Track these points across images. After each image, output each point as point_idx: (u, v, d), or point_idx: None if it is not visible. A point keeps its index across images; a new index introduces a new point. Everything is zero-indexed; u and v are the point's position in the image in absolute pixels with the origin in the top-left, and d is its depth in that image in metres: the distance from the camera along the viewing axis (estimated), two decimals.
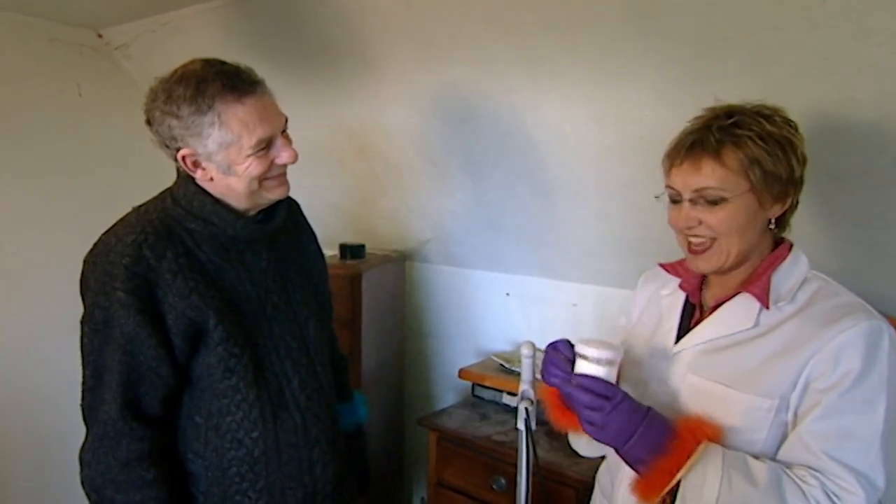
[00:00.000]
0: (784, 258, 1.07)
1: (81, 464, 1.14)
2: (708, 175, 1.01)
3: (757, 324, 1.05)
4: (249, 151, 1.12)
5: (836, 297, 1.03)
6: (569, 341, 1.11)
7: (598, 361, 1.03)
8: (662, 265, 1.23)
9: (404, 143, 2.16)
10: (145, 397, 1.13)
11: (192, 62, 1.13)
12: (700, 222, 1.04)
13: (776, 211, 1.05)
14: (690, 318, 1.16)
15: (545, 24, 1.53)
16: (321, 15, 1.87)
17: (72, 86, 2.50)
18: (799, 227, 1.52)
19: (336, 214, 2.65)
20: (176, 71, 1.13)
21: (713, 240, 1.05)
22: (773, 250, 1.09)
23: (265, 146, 1.13)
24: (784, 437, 1.01)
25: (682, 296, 1.19)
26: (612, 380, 1.03)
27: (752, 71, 1.35)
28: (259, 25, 2.06)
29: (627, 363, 1.18)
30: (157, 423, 1.15)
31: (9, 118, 2.32)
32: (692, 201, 1.04)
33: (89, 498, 1.15)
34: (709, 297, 1.15)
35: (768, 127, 1.01)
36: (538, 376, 1.99)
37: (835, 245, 1.54)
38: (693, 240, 1.07)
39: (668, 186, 1.09)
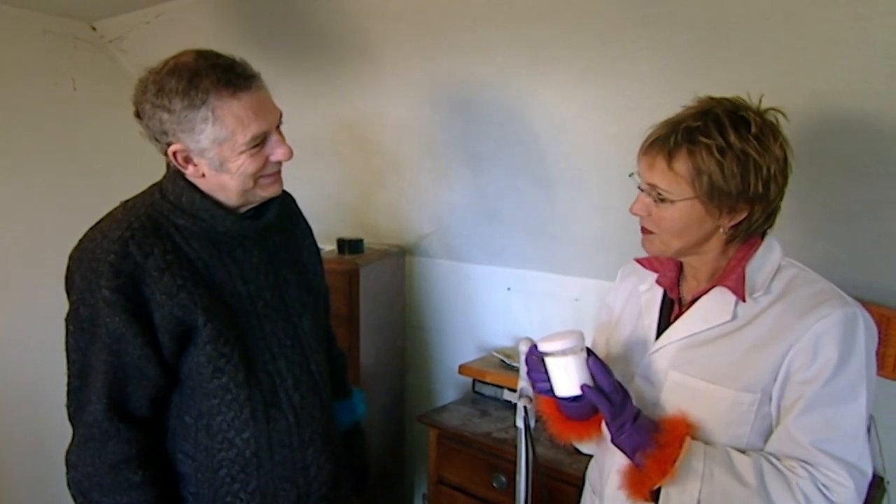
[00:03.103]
0: (757, 248, 1.08)
1: (68, 466, 1.12)
2: (658, 175, 1.04)
3: (734, 317, 1.06)
4: (243, 148, 1.08)
5: (810, 286, 1.04)
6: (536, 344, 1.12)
7: (564, 353, 1.04)
8: (638, 260, 1.24)
9: (402, 135, 2.13)
10: (132, 398, 1.11)
11: (185, 53, 1.09)
12: (649, 213, 1.08)
13: (724, 222, 1.05)
14: (669, 313, 1.17)
15: (544, 10, 1.50)
16: (318, 5, 1.85)
17: (66, 79, 2.47)
18: (808, 220, 1.51)
19: (334, 208, 2.62)
20: (167, 62, 1.09)
21: (654, 232, 1.09)
22: (744, 243, 1.09)
23: (259, 142, 1.10)
24: (769, 429, 1.04)
25: (659, 291, 1.19)
26: (583, 364, 1.05)
27: (757, 57, 1.31)
28: (255, 16, 2.03)
29: (611, 360, 1.20)
30: (145, 424, 1.13)
31: (2, 112, 2.30)
32: (646, 192, 1.07)
33: (76, 500, 1.13)
34: (685, 292, 1.16)
35: (732, 138, 0.99)
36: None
37: (843, 237, 1.52)
38: (642, 223, 1.12)
39: (637, 172, 1.11)
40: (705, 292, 1.10)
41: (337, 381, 1.42)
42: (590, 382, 1.05)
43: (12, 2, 2.22)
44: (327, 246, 2.46)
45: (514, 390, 2.06)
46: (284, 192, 1.36)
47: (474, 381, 2.23)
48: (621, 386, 1.06)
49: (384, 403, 2.51)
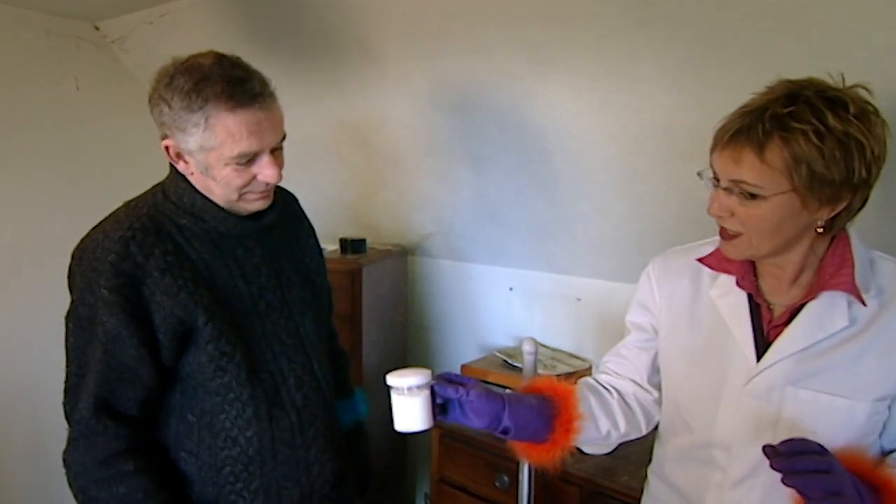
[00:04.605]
0: (848, 243, 1.01)
1: (65, 464, 1.12)
2: (746, 169, 0.93)
3: (853, 321, 0.98)
4: (228, 161, 1.08)
5: None
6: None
7: (411, 390, 1.07)
8: (703, 260, 1.12)
9: (404, 135, 2.14)
10: (122, 399, 1.11)
11: (206, 55, 1.09)
12: (732, 213, 0.98)
13: (823, 214, 0.96)
14: (759, 319, 1.07)
15: (545, 11, 1.50)
16: (320, 6, 1.85)
17: (69, 79, 2.47)
18: None
19: (336, 208, 2.62)
20: (189, 58, 1.09)
21: (739, 234, 1.00)
22: (831, 238, 1.02)
23: (247, 160, 1.10)
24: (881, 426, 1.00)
25: (742, 296, 1.08)
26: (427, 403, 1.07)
27: (757, 57, 1.31)
28: (257, 17, 2.03)
29: (690, 381, 1.13)
30: (136, 424, 1.13)
31: (6, 112, 2.30)
32: (728, 189, 0.97)
33: (77, 498, 1.13)
34: (769, 294, 1.07)
35: (831, 121, 0.89)
36: (542, 372, 1.98)
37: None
38: (722, 225, 1.02)
39: (710, 166, 1.01)
40: (809, 297, 1.01)
41: (339, 381, 1.42)
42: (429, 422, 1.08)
43: (15, 2, 2.22)
44: (330, 246, 2.46)
45: (516, 390, 2.06)
46: (287, 192, 1.36)
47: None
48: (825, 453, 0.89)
49: (386, 403, 2.51)
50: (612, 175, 1.78)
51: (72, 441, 1.11)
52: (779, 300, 1.06)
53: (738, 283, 1.08)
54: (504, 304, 2.40)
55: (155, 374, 1.12)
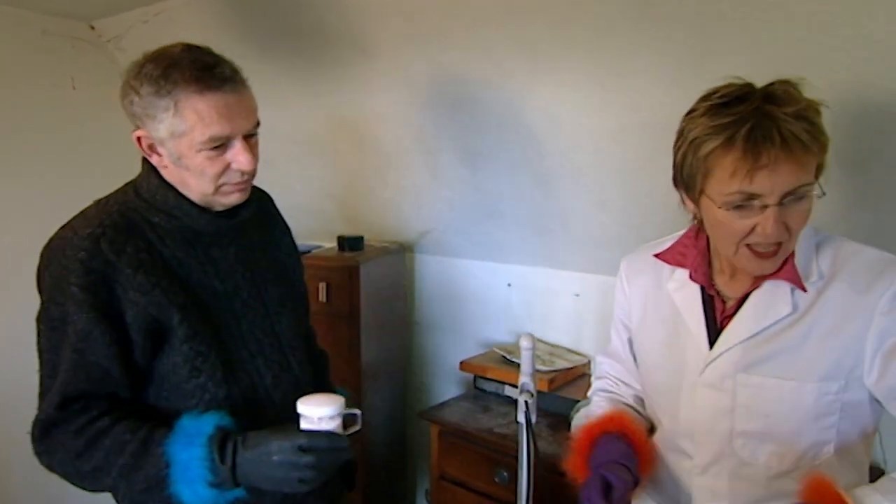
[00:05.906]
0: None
1: (42, 458, 1.09)
2: (803, 169, 0.91)
3: (795, 307, 1.00)
4: (200, 147, 1.06)
5: (859, 256, 1.01)
6: None
7: (321, 420, 1.04)
8: (660, 256, 1.15)
9: (401, 132, 2.14)
10: (91, 400, 1.07)
11: (176, 45, 1.09)
12: (786, 228, 0.94)
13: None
14: (712, 311, 1.09)
15: (542, 8, 1.50)
16: (318, 5, 1.85)
17: (65, 79, 2.47)
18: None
19: (334, 206, 2.62)
20: (158, 49, 1.09)
21: (780, 244, 0.96)
22: None
23: (219, 146, 1.07)
24: (865, 415, 1.00)
25: (695, 288, 1.10)
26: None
27: (753, 51, 1.32)
28: (254, 15, 2.03)
29: (656, 373, 1.15)
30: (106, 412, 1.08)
31: (3, 112, 2.30)
32: (780, 204, 0.92)
33: (72, 482, 1.11)
34: (722, 286, 1.09)
35: (800, 96, 0.93)
36: (540, 368, 1.98)
37: (842, 229, 1.51)
38: (763, 246, 0.97)
39: (735, 193, 0.92)
40: (754, 286, 1.03)
41: (319, 380, 1.39)
42: None
43: (10, 2, 2.22)
44: (327, 243, 2.47)
45: (515, 386, 2.06)
46: (262, 191, 1.34)
47: (476, 376, 2.23)
48: None
49: (386, 400, 2.52)
50: (610, 171, 1.78)
51: (38, 439, 1.07)
52: (731, 292, 1.08)
53: (691, 277, 1.10)
54: (502, 299, 2.40)
55: (126, 375, 1.08)
